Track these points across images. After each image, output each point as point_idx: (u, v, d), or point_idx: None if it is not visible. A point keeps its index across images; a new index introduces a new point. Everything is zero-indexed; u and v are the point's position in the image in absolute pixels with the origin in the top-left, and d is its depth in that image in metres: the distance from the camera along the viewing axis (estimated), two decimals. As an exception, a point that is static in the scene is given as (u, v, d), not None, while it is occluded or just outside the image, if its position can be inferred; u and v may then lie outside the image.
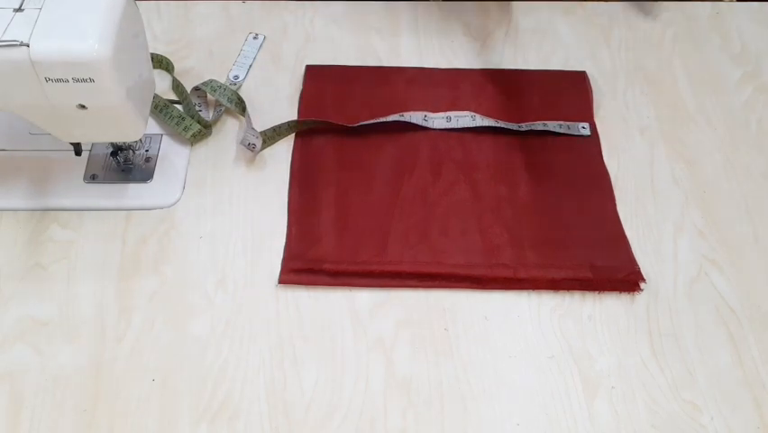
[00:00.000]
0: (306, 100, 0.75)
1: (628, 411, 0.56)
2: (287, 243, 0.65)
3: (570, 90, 0.76)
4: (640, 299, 0.62)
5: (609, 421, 0.56)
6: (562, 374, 0.58)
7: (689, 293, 0.63)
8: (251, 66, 0.79)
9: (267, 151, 0.71)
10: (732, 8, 0.86)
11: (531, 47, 0.81)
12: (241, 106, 0.73)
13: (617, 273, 0.63)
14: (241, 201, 0.68)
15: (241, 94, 0.76)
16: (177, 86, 0.75)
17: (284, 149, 0.72)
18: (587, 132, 0.72)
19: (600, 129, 0.74)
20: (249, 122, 0.70)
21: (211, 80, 0.74)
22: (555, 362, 0.59)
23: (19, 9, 0.53)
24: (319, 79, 0.77)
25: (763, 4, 0.87)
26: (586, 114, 0.74)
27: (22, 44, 0.51)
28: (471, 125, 0.71)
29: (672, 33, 0.83)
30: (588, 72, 0.79)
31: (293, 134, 0.72)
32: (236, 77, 0.77)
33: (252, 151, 0.69)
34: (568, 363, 0.59)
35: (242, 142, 0.70)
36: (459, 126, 0.71)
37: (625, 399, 0.57)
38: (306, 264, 0.63)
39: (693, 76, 0.79)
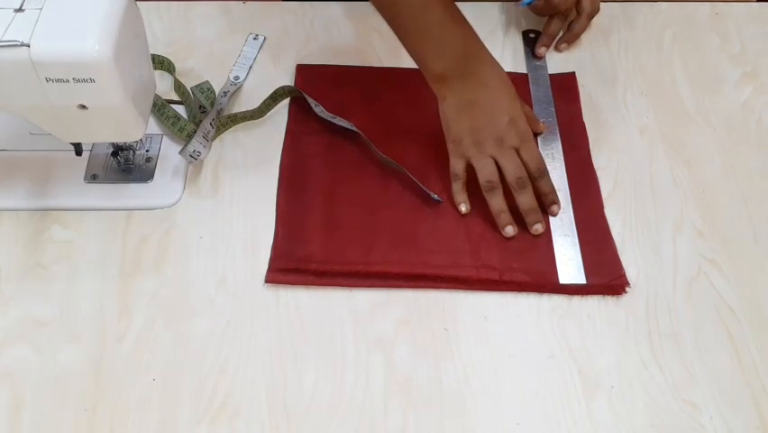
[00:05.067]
0: (296, 99, 0.75)
1: (628, 411, 0.56)
2: (274, 242, 0.65)
3: (559, 92, 0.77)
4: (640, 298, 0.62)
5: (609, 421, 0.56)
6: (561, 374, 0.58)
7: (688, 293, 0.63)
8: (251, 66, 0.79)
9: (266, 151, 0.71)
10: (732, 8, 0.86)
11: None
12: (198, 109, 0.72)
13: (602, 279, 0.63)
14: (241, 201, 0.68)
15: (241, 94, 0.76)
16: (178, 86, 0.75)
17: (284, 149, 0.72)
18: None
19: (600, 129, 0.74)
20: (203, 129, 0.68)
21: (206, 82, 0.74)
22: (555, 361, 0.59)
23: (19, 9, 0.53)
24: (309, 79, 0.77)
25: (763, 4, 0.87)
26: (575, 116, 0.74)
27: (22, 44, 0.51)
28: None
29: (671, 33, 0.84)
30: (588, 73, 0.79)
31: (283, 136, 0.72)
32: (237, 77, 0.77)
33: (196, 159, 0.67)
34: (567, 363, 0.59)
35: (181, 152, 0.66)
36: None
37: (624, 398, 0.57)
38: (292, 264, 0.63)
39: (693, 76, 0.79)
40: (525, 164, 0.65)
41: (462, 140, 0.65)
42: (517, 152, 0.65)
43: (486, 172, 0.65)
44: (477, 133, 0.65)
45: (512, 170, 0.64)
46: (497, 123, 0.64)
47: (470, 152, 0.65)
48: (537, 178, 0.65)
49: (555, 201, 0.66)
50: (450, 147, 0.67)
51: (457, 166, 0.66)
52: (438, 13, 0.64)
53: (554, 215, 0.66)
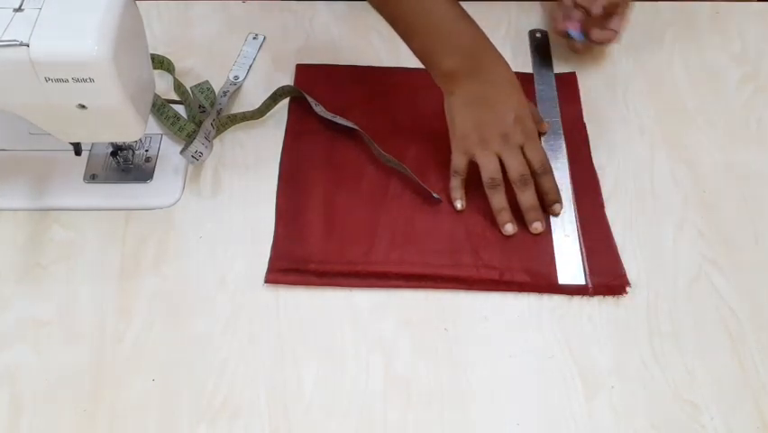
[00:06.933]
0: (295, 99, 0.75)
1: (628, 412, 0.56)
2: (273, 242, 0.65)
3: (560, 92, 0.76)
4: (640, 299, 0.62)
5: (609, 421, 0.56)
6: (561, 374, 0.58)
7: (688, 293, 0.63)
8: (251, 66, 0.79)
9: (266, 151, 0.71)
10: (732, 8, 0.86)
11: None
12: (199, 111, 0.71)
13: (602, 279, 0.62)
14: (241, 201, 0.68)
15: (241, 94, 0.76)
16: (178, 86, 0.75)
17: (284, 149, 0.72)
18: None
19: (600, 129, 0.74)
20: (205, 129, 0.68)
21: (206, 81, 0.74)
22: (555, 362, 0.59)
23: (19, 9, 0.53)
24: (309, 78, 0.77)
25: (763, 4, 0.87)
26: (576, 115, 0.74)
27: (21, 44, 0.51)
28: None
29: (671, 33, 0.83)
30: (588, 72, 0.79)
31: (283, 136, 0.72)
32: (236, 77, 0.77)
33: (197, 160, 0.67)
34: (568, 363, 0.59)
35: (183, 153, 0.66)
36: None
37: (624, 399, 0.57)
38: (292, 264, 0.63)
39: (693, 76, 0.79)
40: (528, 162, 0.64)
41: (468, 136, 0.65)
42: (522, 149, 0.64)
43: (490, 169, 0.65)
44: (483, 129, 0.64)
45: (516, 167, 0.64)
46: (503, 119, 0.64)
47: (475, 148, 0.65)
48: (540, 175, 0.65)
49: (558, 200, 0.66)
50: (453, 142, 0.67)
51: (459, 162, 0.66)
52: (443, 10, 0.64)
53: (556, 215, 0.66)
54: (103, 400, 0.56)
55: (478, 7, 0.85)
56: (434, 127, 0.72)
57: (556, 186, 0.66)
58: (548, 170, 0.66)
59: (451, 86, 0.65)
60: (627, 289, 0.62)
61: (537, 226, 0.65)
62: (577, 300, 0.62)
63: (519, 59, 0.80)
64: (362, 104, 0.75)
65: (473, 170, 0.67)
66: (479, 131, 0.64)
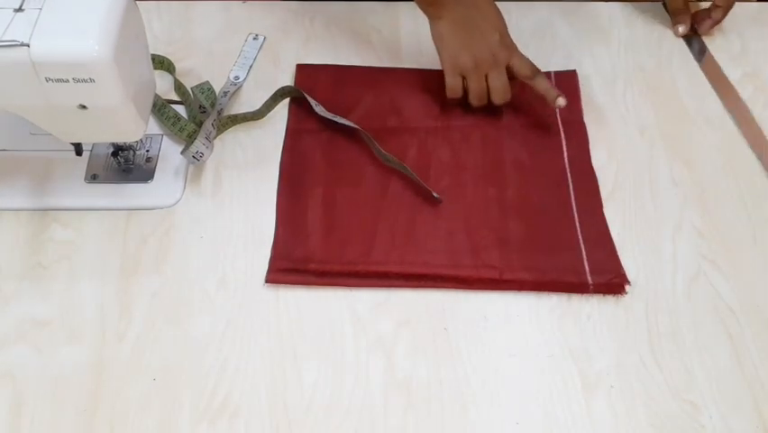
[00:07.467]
0: (296, 99, 0.75)
1: (627, 411, 0.56)
2: (274, 242, 0.65)
3: (560, 90, 0.76)
4: (639, 298, 0.62)
5: (608, 421, 0.56)
6: (561, 374, 0.58)
7: (688, 293, 0.63)
8: (251, 66, 0.79)
9: (267, 151, 0.71)
10: (732, 8, 0.86)
11: (530, 47, 0.81)
12: (201, 111, 0.72)
13: (602, 277, 0.63)
14: (241, 201, 0.68)
15: (241, 94, 0.76)
16: (178, 87, 0.75)
17: (284, 149, 0.72)
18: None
19: (599, 129, 0.74)
20: (206, 130, 0.68)
21: (206, 82, 0.74)
22: (555, 361, 0.59)
23: (19, 9, 0.53)
24: (309, 78, 0.77)
25: (762, 4, 0.87)
26: (576, 114, 0.74)
27: (22, 44, 0.51)
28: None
29: (671, 33, 0.83)
30: (588, 72, 0.79)
31: (283, 136, 0.72)
32: (237, 77, 0.77)
33: (198, 160, 0.67)
34: (567, 363, 0.59)
35: (184, 153, 0.66)
36: None
37: (624, 398, 0.57)
38: (292, 264, 0.63)
39: (693, 76, 0.79)
40: (518, 72, 0.70)
41: (459, 58, 0.69)
42: (509, 63, 0.70)
43: (478, 92, 0.71)
44: (473, 50, 0.69)
45: (499, 92, 0.70)
46: (490, 40, 0.69)
47: (468, 71, 0.70)
48: (533, 78, 0.70)
49: (559, 94, 0.70)
50: (445, 66, 0.71)
51: (455, 84, 0.71)
52: None
53: (562, 106, 0.70)
54: (103, 400, 0.56)
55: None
56: (434, 127, 0.72)
57: (549, 83, 0.71)
58: (537, 71, 0.71)
59: (438, 10, 0.70)
60: (627, 287, 0.62)
61: (560, 102, 0.70)
62: (577, 300, 0.62)
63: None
64: (362, 104, 0.75)
65: (473, 173, 0.67)
66: (469, 53, 0.69)
